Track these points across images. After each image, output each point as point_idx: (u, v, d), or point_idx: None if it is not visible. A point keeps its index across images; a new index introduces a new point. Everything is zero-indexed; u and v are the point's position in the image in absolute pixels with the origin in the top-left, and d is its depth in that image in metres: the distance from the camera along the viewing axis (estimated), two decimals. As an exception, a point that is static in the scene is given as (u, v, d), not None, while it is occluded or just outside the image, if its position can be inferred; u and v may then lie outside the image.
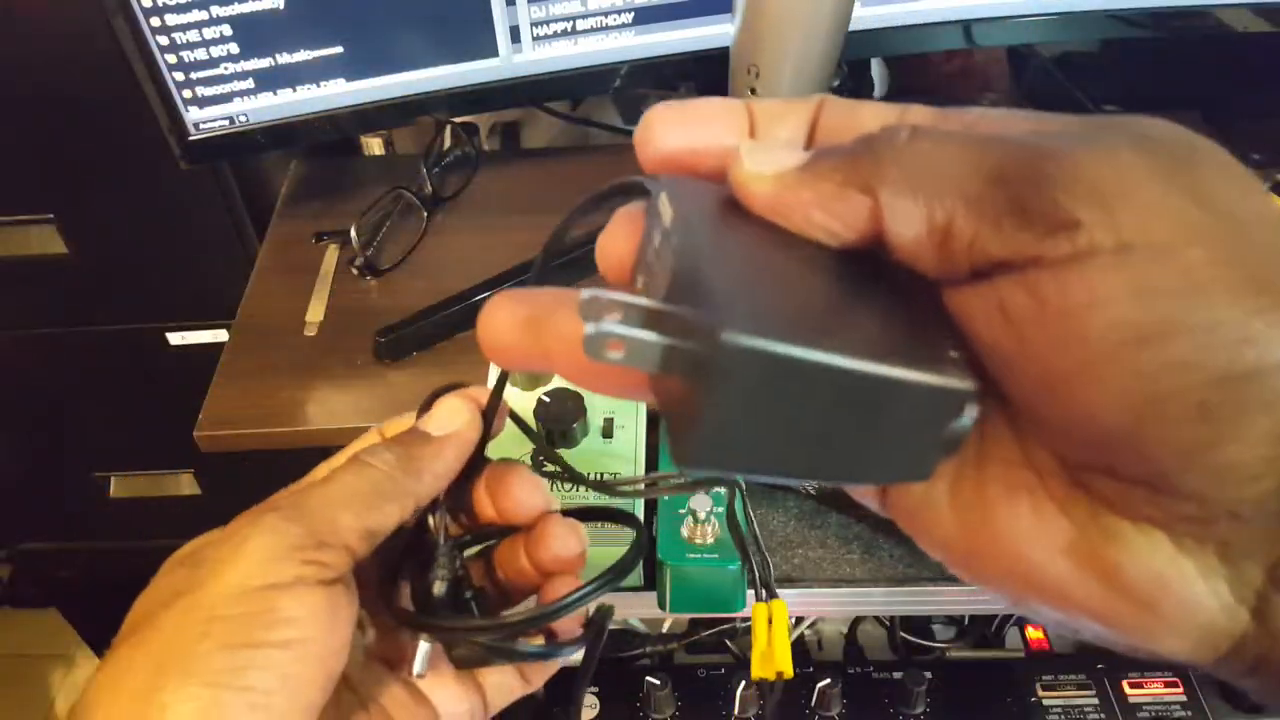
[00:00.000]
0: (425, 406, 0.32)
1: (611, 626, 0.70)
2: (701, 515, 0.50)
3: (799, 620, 0.76)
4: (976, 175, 0.19)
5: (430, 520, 0.32)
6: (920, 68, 0.93)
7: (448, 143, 0.77)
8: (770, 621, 0.34)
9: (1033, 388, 0.19)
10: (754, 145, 0.22)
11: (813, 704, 0.66)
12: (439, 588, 0.31)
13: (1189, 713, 0.67)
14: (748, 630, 0.75)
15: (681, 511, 0.50)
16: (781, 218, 0.21)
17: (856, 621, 0.77)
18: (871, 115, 0.22)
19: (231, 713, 0.25)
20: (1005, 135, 0.20)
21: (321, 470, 0.32)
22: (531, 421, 0.53)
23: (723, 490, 0.52)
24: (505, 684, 0.34)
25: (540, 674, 0.35)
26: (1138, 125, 0.19)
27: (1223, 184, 0.18)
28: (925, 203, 0.19)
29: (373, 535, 0.29)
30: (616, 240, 0.25)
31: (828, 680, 0.66)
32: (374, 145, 0.85)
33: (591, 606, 0.33)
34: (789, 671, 0.33)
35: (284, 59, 0.62)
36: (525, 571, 0.34)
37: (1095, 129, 0.19)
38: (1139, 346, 0.17)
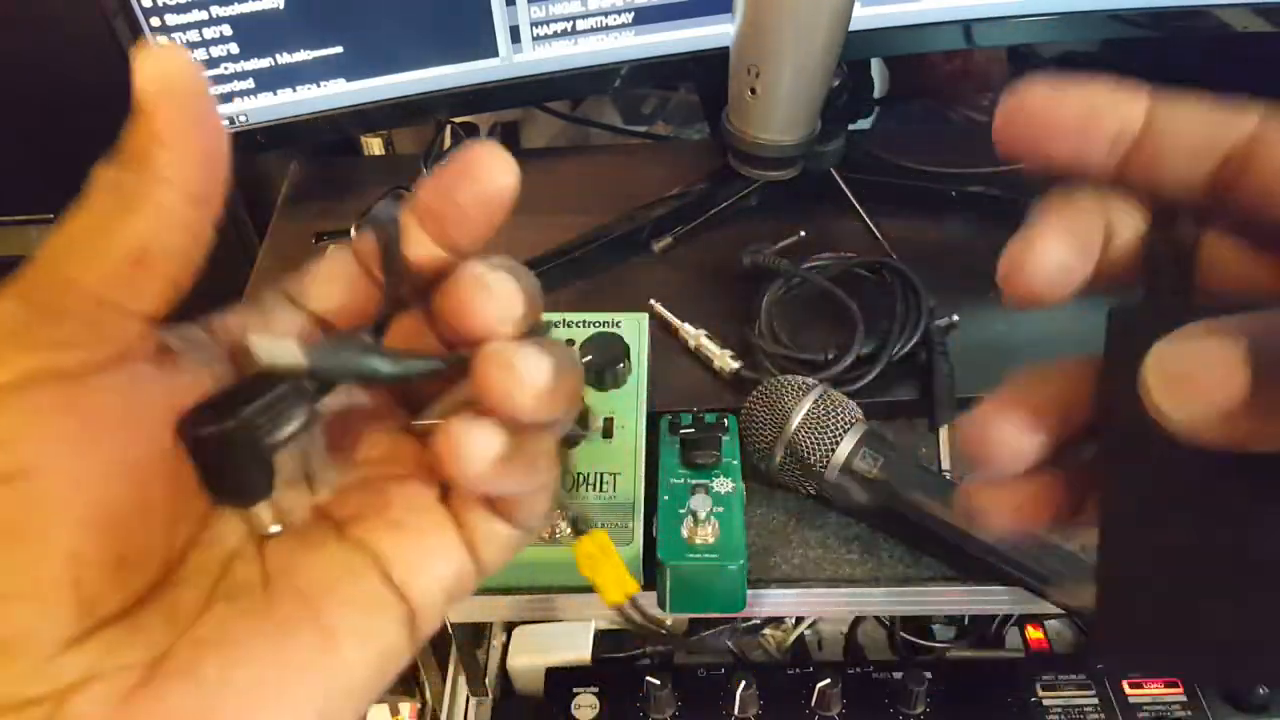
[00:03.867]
0: None
1: (611, 626, 0.70)
2: (701, 515, 0.50)
3: (799, 620, 0.76)
4: None
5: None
6: (920, 68, 0.93)
7: (448, 143, 0.77)
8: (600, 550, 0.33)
9: None
10: (1168, 358, 0.17)
11: (813, 704, 0.66)
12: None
13: (1189, 713, 0.67)
14: (748, 630, 0.76)
15: (682, 511, 0.50)
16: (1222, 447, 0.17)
17: (856, 621, 0.77)
18: None
19: None
20: None
21: None
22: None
23: (723, 491, 0.52)
24: (497, 532, 0.24)
25: (532, 513, 0.25)
26: None
27: None
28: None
29: (136, 258, 0.20)
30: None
31: (828, 680, 0.66)
32: (374, 145, 0.85)
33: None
34: (635, 586, 0.33)
35: (284, 59, 0.62)
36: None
37: None
38: None
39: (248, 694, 0.20)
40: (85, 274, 0.20)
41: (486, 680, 0.73)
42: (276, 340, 0.22)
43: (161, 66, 0.21)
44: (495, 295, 0.22)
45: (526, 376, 0.21)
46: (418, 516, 0.23)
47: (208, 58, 0.60)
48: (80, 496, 0.19)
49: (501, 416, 0.22)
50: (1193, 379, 0.16)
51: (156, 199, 0.21)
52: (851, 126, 0.73)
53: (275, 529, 0.22)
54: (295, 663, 0.21)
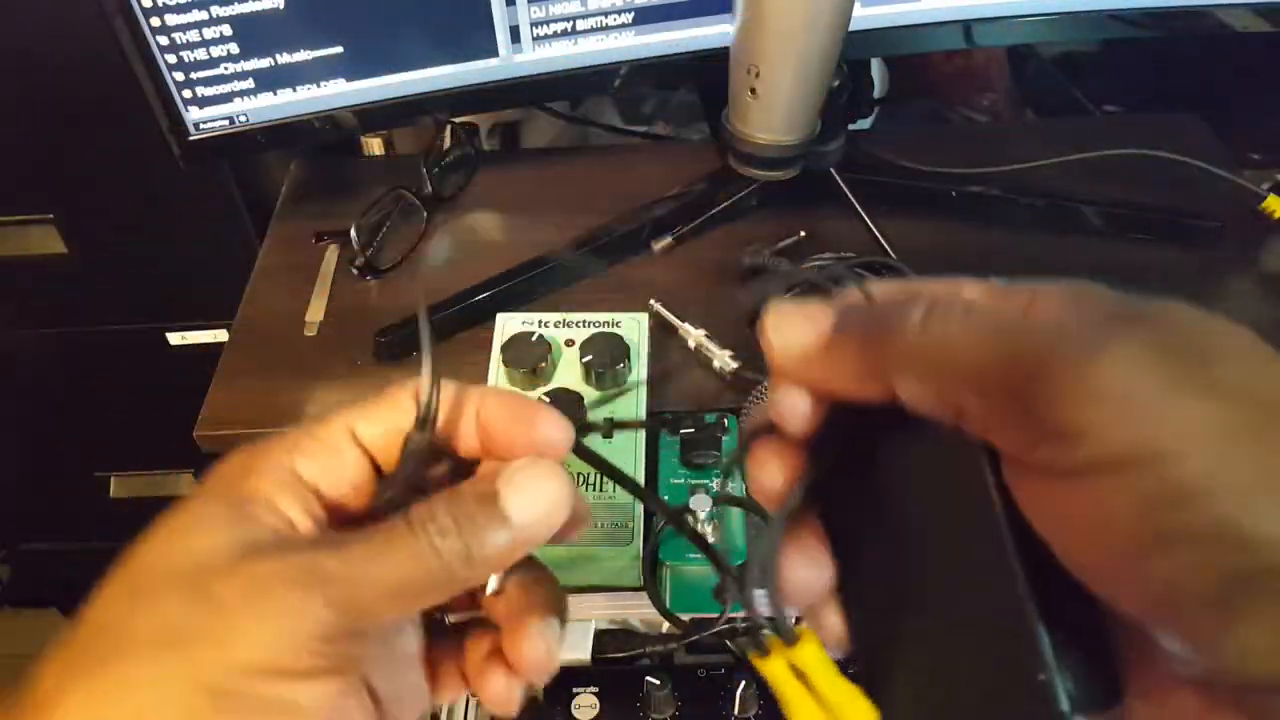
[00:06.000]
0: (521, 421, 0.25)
1: (611, 626, 0.70)
2: (701, 515, 0.50)
3: (799, 620, 0.76)
4: (985, 370, 0.19)
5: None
6: (920, 68, 0.93)
7: (448, 143, 0.77)
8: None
9: (1070, 567, 0.19)
10: (780, 315, 0.23)
11: (813, 704, 0.66)
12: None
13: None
14: (748, 630, 0.75)
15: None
16: (808, 387, 0.24)
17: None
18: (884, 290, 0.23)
19: None
20: (1022, 326, 0.19)
21: (339, 435, 0.27)
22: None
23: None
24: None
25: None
26: (1160, 315, 0.19)
27: (1246, 371, 0.18)
28: (937, 393, 0.20)
29: (404, 619, 0.26)
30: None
31: (828, 680, 0.65)
32: (374, 145, 0.85)
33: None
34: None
35: (284, 59, 0.62)
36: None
37: (1116, 323, 0.19)
38: (1144, 556, 0.17)
39: None
40: (388, 615, 0.25)
41: (486, 680, 0.73)
42: None
43: (538, 505, 0.25)
44: (550, 655, 0.27)
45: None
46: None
47: (208, 57, 0.60)
48: None
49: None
50: (789, 320, 0.23)
51: (452, 594, 0.25)
52: (851, 126, 0.73)
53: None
54: None
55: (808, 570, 0.25)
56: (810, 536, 0.26)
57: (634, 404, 0.56)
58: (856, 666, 0.24)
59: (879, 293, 0.23)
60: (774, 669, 0.24)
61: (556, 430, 0.26)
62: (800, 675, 0.24)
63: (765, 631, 0.24)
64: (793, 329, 0.23)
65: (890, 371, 0.21)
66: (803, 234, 0.70)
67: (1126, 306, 0.19)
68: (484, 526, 0.24)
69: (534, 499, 0.24)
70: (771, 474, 0.25)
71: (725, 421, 0.56)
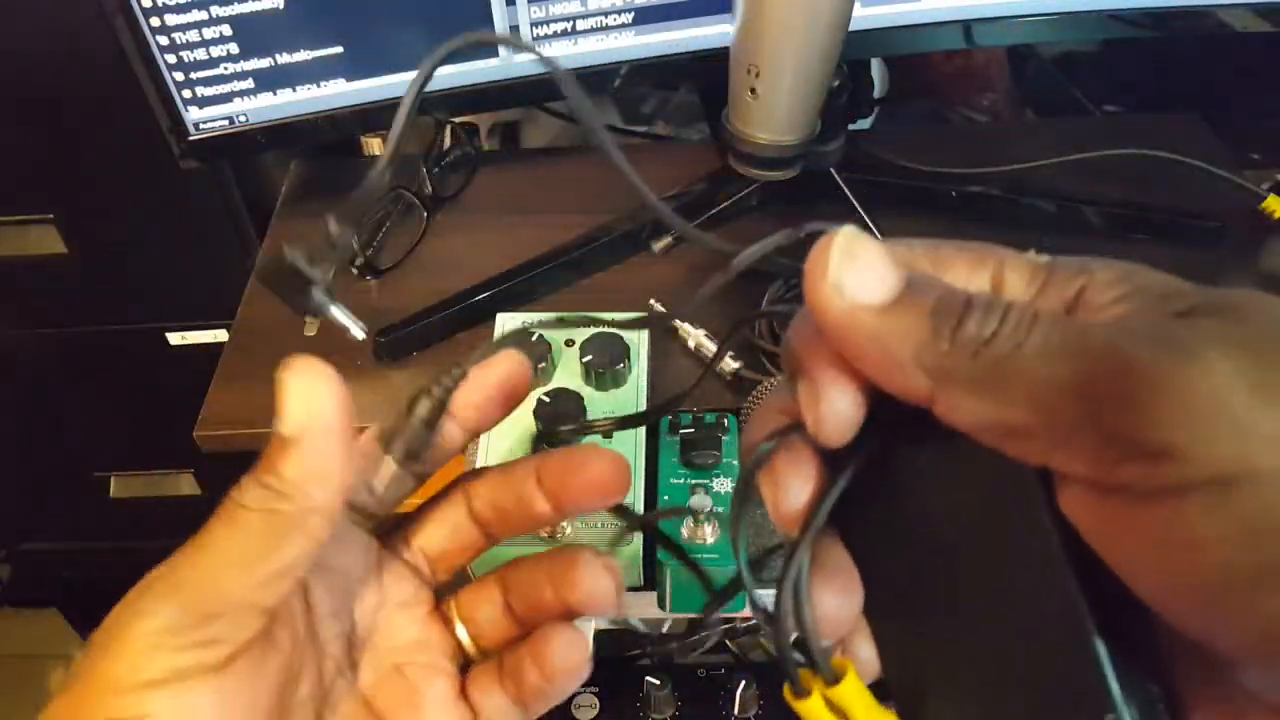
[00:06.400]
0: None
1: (611, 626, 0.70)
2: (701, 515, 0.50)
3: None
4: (1056, 388, 0.17)
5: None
6: (920, 68, 0.93)
7: (448, 143, 0.77)
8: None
9: (1146, 598, 0.17)
10: (855, 243, 0.20)
11: (813, 704, 0.67)
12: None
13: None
14: (748, 630, 0.76)
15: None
16: (833, 342, 0.20)
17: (856, 621, 0.77)
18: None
19: None
20: (1092, 334, 0.17)
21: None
22: (530, 421, 0.53)
23: (723, 491, 0.52)
24: (504, 708, 0.30)
25: (540, 702, 0.30)
26: (1240, 308, 0.17)
27: None
28: (990, 408, 0.18)
29: (283, 573, 0.24)
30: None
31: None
32: (374, 145, 0.85)
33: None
34: None
35: (284, 59, 0.62)
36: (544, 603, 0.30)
37: (1193, 320, 0.17)
38: (1254, 590, 0.15)
39: None
40: (237, 585, 0.23)
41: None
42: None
43: (308, 402, 0.24)
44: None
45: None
46: (443, 712, 0.28)
47: (208, 57, 0.60)
48: None
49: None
50: (861, 260, 0.20)
51: (309, 528, 0.24)
52: (851, 126, 0.73)
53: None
54: None
55: (836, 598, 0.23)
56: (835, 560, 0.23)
57: (634, 404, 0.56)
58: (892, 699, 0.23)
59: (923, 254, 0.20)
60: (812, 709, 0.23)
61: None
62: (838, 711, 0.22)
63: (799, 668, 0.22)
64: (869, 269, 0.19)
65: (942, 379, 0.18)
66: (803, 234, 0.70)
67: (1194, 297, 0.18)
68: (276, 459, 0.24)
69: (293, 404, 0.24)
70: (794, 490, 0.22)
71: (725, 421, 0.56)
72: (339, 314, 0.29)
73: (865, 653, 0.24)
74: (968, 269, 0.21)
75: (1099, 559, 0.18)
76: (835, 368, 0.20)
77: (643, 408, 0.56)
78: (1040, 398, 0.17)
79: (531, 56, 0.26)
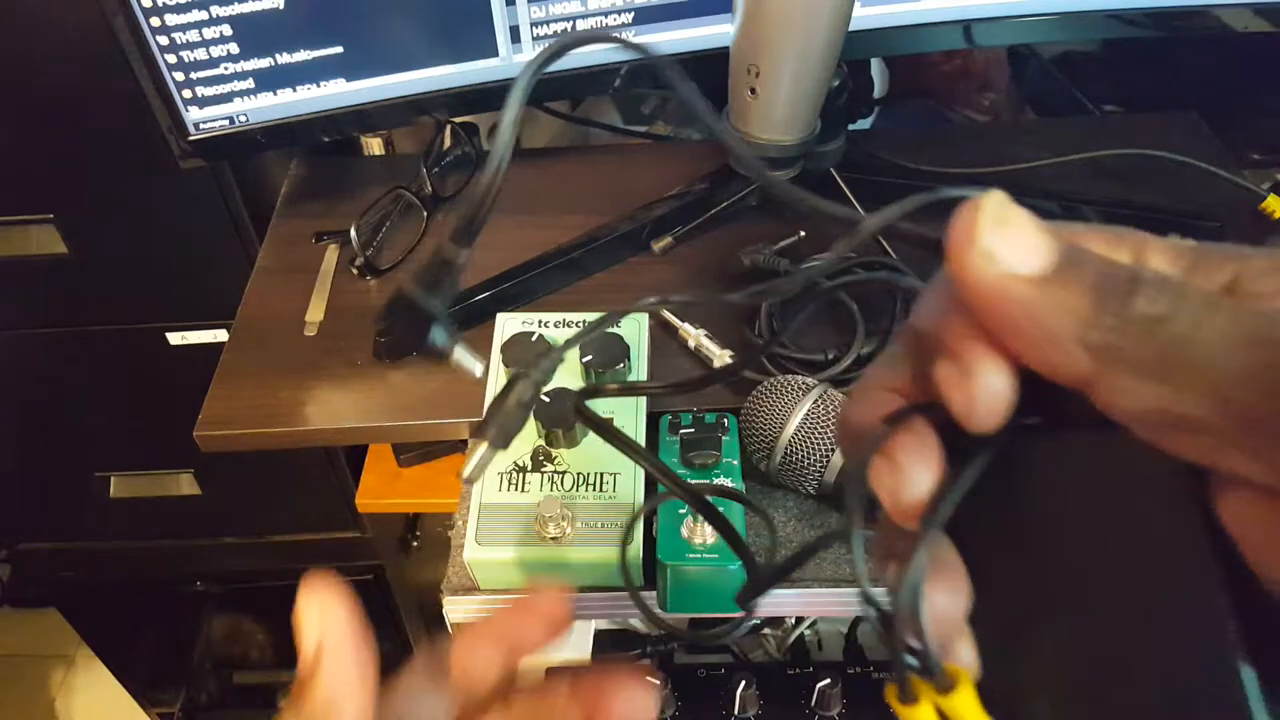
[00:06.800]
0: None
1: (611, 627, 0.70)
2: (701, 515, 0.50)
3: (799, 620, 0.76)
4: (1239, 376, 0.15)
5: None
6: (920, 68, 0.93)
7: (448, 143, 0.77)
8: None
9: None
10: (1004, 222, 0.18)
11: (813, 704, 0.66)
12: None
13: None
14: (748, 630, 0.76)
15: (682, 511, 0.50)
16: (982, 315, 0.18)
17: (856, 621, 0.77)
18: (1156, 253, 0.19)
19: None
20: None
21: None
22: (530, 421, 0.53)
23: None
24: None
25: None
26: None
27: None
28: (1162, 395, 0.16)
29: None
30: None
31: (828, 680, 0.66)
32: (374, 145, 0.85)
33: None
34: None
35: (284, 59, 0.62)
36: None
37: None
38: None
39: None
40: None
41: (486, 680, 0.73)
42: None
43: (321, 627, 0.26)
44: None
45: None
46: None
47: (208, 57, 0.60)
48: None
49: None
50: (1014, 226, 0.18)
51: None
52: (851, 126, 0.73)
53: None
54: None
55: (946, 596, 0.21)
56: (943, 555, 0.21)
57: (634, 404, 0.56)
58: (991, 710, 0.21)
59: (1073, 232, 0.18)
60: (920, 717, 0.21)
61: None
62: None
63: (910, 673, 0.20)
64: (1022, 237, 0.18)
65: (1108, 358, 0.16)
66: (802, 234, 0.70)
67: None
68: (304, 688, 0.26)
69: (306, 629, 0.26)
70: (918, 478, 0.20)
71: (725, 421, 0.56)
72: (461, 355, 0.30)
73: (966, 656, 0.22)
74: (1105, 249, 0.19)
75: (1251, 572, 0.17)
76: (985, 343, 0.19)
77: (643, 408, 0.56)
78: (1222, 388, 0.15)
79: (637, 54, 0.26)
